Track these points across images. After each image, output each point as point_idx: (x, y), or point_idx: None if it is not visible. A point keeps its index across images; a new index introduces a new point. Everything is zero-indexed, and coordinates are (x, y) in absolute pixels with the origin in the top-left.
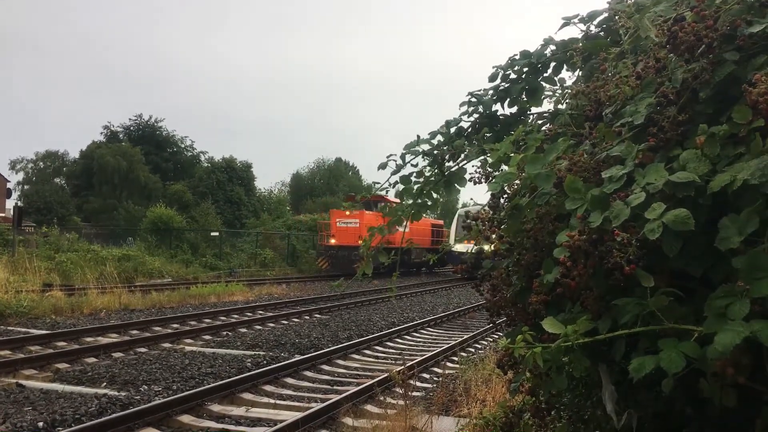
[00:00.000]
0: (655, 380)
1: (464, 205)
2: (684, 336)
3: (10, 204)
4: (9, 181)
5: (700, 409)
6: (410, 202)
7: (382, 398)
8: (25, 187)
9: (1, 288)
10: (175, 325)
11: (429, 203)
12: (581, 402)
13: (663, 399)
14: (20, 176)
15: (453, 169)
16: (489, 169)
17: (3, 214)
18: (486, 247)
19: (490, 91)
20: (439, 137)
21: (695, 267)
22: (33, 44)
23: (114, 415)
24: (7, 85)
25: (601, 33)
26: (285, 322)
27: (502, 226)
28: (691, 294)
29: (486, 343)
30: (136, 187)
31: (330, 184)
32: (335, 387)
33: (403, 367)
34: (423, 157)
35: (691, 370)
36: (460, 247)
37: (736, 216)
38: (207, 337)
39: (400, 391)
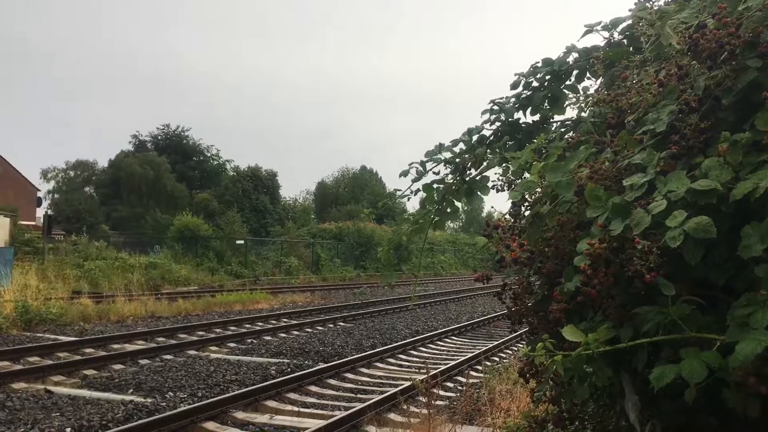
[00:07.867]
0: (678, 390)
1: (488, 215)
2: (706, 345)
3: (40, 212)
4: (39, 190)
5: (724, 419)
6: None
7: (405, 407)
8: (56, 195)
9: (30, 295)
10: (200, 333)
11: (450, 211)
12: (605, 412)
13: (687, 409)
14: (51, 185)
15: (475, 177)
16: (511, 177)
17: (33, 223)
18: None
19: (512, 99)
20: (461, 145)
21: (717, 275)
22: (62, 56)
23: (140, 422)
24: (43, 96)
25: (624, 40)
26: (309, 329)
27: (523, 234)
28: (714, 302)
29: (511, 352)
30: (163, 195)
31: (354, 192)
32: (359, 395)
33: (426, 375)
34: (445, 165)
35: (715, 379)
36: None
37: (758, 224)
38: (232, 344)
39: (424, 400)
